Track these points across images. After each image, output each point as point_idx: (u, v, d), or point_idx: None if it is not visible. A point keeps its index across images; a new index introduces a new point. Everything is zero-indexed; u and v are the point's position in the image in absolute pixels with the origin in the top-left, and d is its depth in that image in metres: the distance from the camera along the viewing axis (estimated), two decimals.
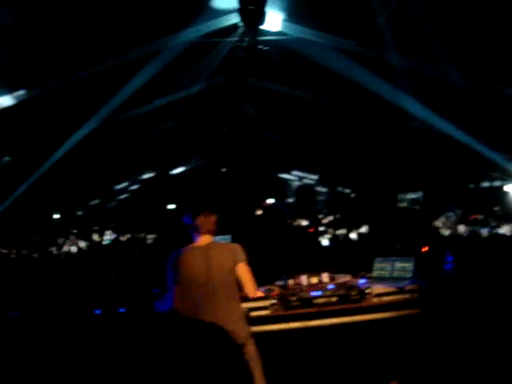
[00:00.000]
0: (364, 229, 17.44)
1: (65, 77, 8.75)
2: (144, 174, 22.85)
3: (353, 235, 16.81)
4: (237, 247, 3.84)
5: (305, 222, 21.67)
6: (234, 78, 12.35)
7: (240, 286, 3.78)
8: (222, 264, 3.71)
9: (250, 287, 3.77)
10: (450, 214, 10.66)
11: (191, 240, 3.97)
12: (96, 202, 24.41)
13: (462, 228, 13.03)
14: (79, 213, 24.29)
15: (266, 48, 9.80)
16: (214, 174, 27.91)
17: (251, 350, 3.69)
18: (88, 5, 7.09)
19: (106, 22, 7.67)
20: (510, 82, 9.30)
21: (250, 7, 7.50)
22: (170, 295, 3.83)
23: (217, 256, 3.75)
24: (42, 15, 7.05)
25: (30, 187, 12.25)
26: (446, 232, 10.78)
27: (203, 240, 3.87)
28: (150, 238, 19.14)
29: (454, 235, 11.11)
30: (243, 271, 3.75)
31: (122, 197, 26.84)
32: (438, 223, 10.85)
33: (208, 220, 3.90)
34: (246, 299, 4.49)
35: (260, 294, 4.49)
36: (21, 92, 8.66)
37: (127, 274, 8.69)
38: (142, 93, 10.43)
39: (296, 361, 4.10)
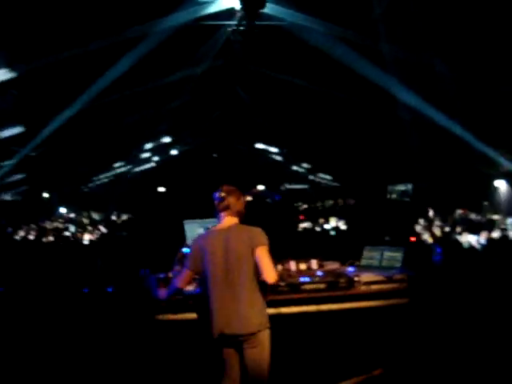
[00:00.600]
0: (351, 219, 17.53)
1: (60, 52, 8.65)
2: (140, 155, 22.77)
3: (342, 225, 16.89)
4: (257, 230, 3.68)
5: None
6: (229, 63, 12.27)
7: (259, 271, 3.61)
8: (239, 248, 3.60)
9: (269, 272, 3.53)
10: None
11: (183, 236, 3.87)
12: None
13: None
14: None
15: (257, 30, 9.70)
16: (205, 159, 27.83)
17: (264, 336, 3.61)
18: None
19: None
20: (504, 78, 9.32)
21: None
22: (180, 275, 3.79)
23: (235, 240, 3.63)
24: None
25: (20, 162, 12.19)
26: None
27: (227, 221, 3.76)
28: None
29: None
30: (261, 255, 3.56)
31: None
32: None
33: (238, 200, 3.78)
34: None
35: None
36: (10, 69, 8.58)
37: (113, 256, 8.65)
38: (134, 75, 10.37)
39: (283, 345, 4.09)
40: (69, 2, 7.49)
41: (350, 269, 5.31)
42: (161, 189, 29.48)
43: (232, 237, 3.66)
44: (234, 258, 3.60)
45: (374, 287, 4.89)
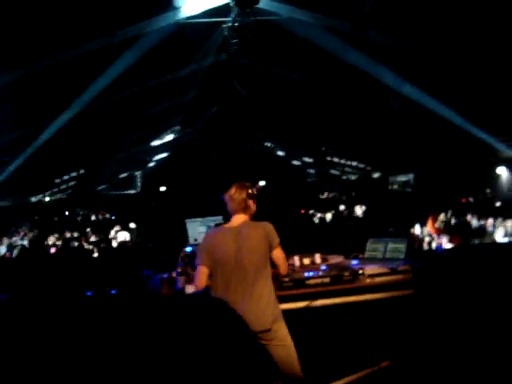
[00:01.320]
0: (358, 210, 17.49)
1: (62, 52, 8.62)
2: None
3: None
4: (270, 228, 3.73)
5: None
6: (225, 59, 12.24)
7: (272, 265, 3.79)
8: (253, 245, 3.64)
9: (284, 267, 3.82)
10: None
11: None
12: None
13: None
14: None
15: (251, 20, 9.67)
16: (206, 157, 27.80)
17: (282, 330, 3.67)
18: None
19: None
20: (502, 64, 9.25)
21: None
22: (197, 276, 3.77)
23: (248, 236, 3.67)
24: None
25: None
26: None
27: (237, 219, 3.78)
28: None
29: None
30: (278, 255, 3.73)
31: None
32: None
33: (239, 198, 3.77)
34: None
35: None
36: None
37: (115, 258, 8.62)
38: (132, 74, 10.36)
39: None
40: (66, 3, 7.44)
41: (354, 262, 5.29)
42: (162, 188, 29.47)
43: (244, 234, 3.68)
44: (248, 254, 3.62)
45: (379, 279, 4.87)
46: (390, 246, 5.39)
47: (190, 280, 4.67)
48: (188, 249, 5.02)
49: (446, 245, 7.98)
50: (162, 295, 4.60)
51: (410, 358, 4.63)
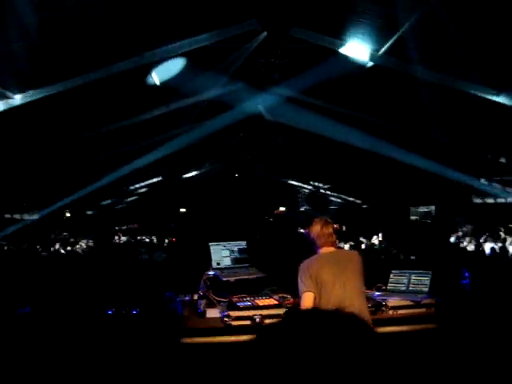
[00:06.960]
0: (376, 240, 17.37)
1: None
2: (155, 176, 22.74)
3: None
4: (358, 256, 4.16)
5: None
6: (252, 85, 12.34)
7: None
8: (353, 267, 3.99)
9: None
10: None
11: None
12: (107, 202, 24.35)
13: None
14: (89, 212, 24.29)
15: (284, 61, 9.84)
16: (227, 179, 27.86)
17: None
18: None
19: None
20: None
21: None
22: (305, 300, 3.93)
23: (347, 259, 4.06)
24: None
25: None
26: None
27: (327, 250, 4.08)
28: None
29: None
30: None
31: (132, 198, 26.71)
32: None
33: (327, 232, 4.09)
34: (257, 307, 4.47)
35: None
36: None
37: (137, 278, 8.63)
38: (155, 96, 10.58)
39: (309, 371, 4.05)
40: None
41: (377, 293, 5.23)
42: (182, 209, 29.56)
43: (343, 257, 4.10)
44: (350, 274, 3.94)
45: (401, 312, 4.82)
46: (413, 278, 5.32)
47: (210, 303, 4.67)
48: (211, 272, 5.02)
49: None
50: (183, 318, 4.59)
51: None
